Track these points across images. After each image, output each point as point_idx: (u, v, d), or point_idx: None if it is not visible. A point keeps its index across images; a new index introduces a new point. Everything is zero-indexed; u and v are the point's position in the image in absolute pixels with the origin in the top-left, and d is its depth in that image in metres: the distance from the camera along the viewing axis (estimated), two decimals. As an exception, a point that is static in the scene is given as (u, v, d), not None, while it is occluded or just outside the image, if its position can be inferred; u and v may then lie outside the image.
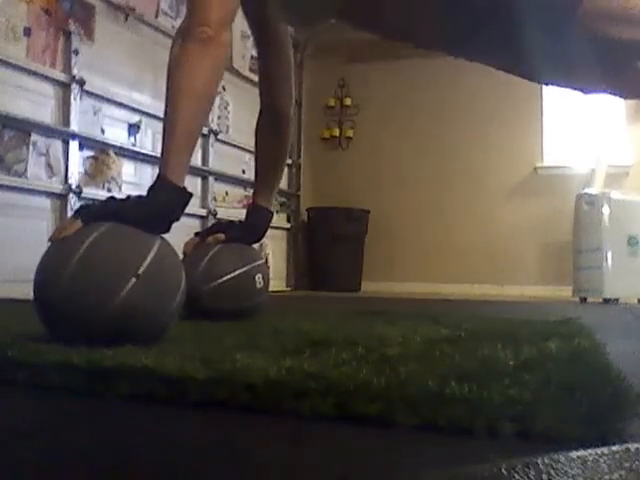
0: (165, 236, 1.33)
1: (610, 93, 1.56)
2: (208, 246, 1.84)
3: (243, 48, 4.99)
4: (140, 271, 1.20)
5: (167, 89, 1.39)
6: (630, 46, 1.35)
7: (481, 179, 5.72)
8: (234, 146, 4.90)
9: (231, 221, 2.09)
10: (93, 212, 1.28)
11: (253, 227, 1.94)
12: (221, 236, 1.86)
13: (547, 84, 1.66)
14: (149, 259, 1.22)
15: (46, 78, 3.30)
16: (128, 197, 1.34)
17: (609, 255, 4.26)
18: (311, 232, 5.86)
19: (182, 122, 1.37)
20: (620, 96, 1.59)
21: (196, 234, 1.93)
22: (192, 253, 1.84)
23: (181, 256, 1.83)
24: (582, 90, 1.59)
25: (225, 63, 1.48)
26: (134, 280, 1.19)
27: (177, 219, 1.35)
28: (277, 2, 1.64)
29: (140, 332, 1.19)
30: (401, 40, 1.65)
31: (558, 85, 1.60)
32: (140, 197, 1.32)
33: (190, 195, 1.39)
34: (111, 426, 0.78)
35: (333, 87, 6.19)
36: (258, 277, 1.84)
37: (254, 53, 5.04)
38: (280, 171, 2.05)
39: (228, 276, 1.78)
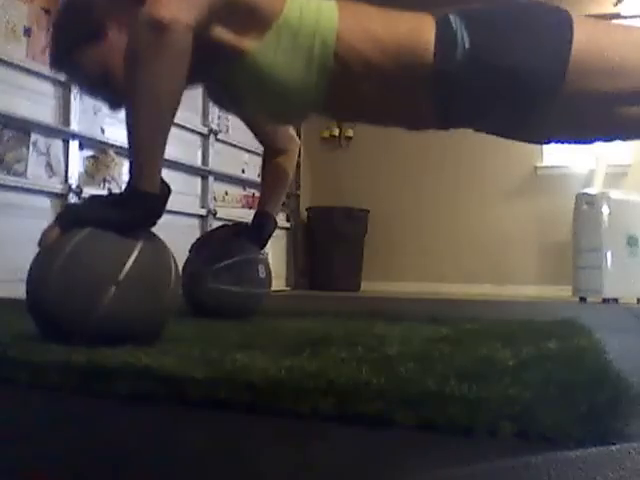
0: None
1: (609, 140, 1.59)
2: (213, 237, 1.94)
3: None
4: (120, 278, 1.18)
5: (126, 89, 1.25)
6: (618, 95, 1.39)
7: (481, 179, 5.72)
8: (234, 146, 4.89)
9: (239, 222, 2.14)
10: (71, 219, 1.25)
11: (258, 231, 1.96)
12: (228, 230, 1.94)
13: (548, 143, 1.69)
14: (129, 264, 1.19)
15: (46, 78, 3.29)
16: (110, 194, 1.30)
17: (608, 255, 4.26)
18: (311, 232, 5.86)
19: (145, 125, 1.25)
20: (621, 139, 1.62)
21: (214, 230, 2.05)
22: (199, 246, 1.92)
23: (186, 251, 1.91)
24: (584, 142, 1.64)
25: (186, 48, 1.24)
26: (114, 288, 1.17)
27: (159, 217, 1.30)
28: (253, 109, 1.62)
29: (129, 337, 1.17)
30: (388, 126, 1.68)
31: (559, 143, 1.63)
32: (121, 196, 1.27)
33: (168, 190, 1.31)
34: (111, 426, 0.78)
35: (333, 87, 6.19)
36: (261, 267, 1.88)
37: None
38: (284, 189, 2.08)
39: (231, 260, 1.82)
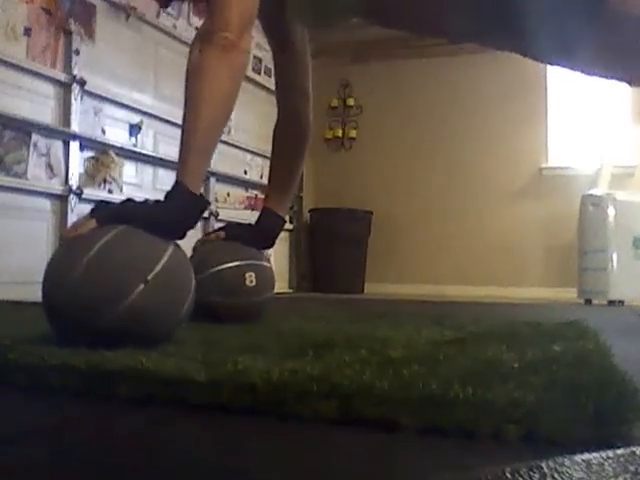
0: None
1: (617, 78, 1.54)
2: (206, 243, 1.86)
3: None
4: (149, 277, 1.19)
5: (186, 95, 1.36)
6: None
7: (486, 180, 5.72)
8: (236, 147, 4.88)
9: (239, 223, 2.08)
10: (109, 213, 1.27)
11: (262, 231, 1.89)
12: (221, 234, 1.86)
13: (552, 64, 1.63)
14: (160, 266, 1.21)
15: (46, 78, 3.29)
16: (145, 201, 1.33)
17: (614, 256, 4.25)
18: (314, 233, 5.86)
19: (201, 130, 1.35)
20: (626, 82, 1.56)
21: (207, 234, 1.95)
22: (194, 250, 1.86)
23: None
24: (588, 72, 1.57)
25: (246, 69, 1.44)
26: (142, 286, 1.18)
27: (192, 226, 1.34)
28: (298, 3, 1.60)
29: (145, 338, 1.17)
30: (431, 35, 1.64)
31: (564, 66, 1.57)
32: (157, 202, 1.31)
33: (207, 203, 1.38)
34: (111, 428, 0.78)
35: (336, 88, 6.19)
36: (249, 275, 1.78)
37: (256, 53, 5.04)
38: (295, 178, 1.98)
39: (212, 270, 1.75)
